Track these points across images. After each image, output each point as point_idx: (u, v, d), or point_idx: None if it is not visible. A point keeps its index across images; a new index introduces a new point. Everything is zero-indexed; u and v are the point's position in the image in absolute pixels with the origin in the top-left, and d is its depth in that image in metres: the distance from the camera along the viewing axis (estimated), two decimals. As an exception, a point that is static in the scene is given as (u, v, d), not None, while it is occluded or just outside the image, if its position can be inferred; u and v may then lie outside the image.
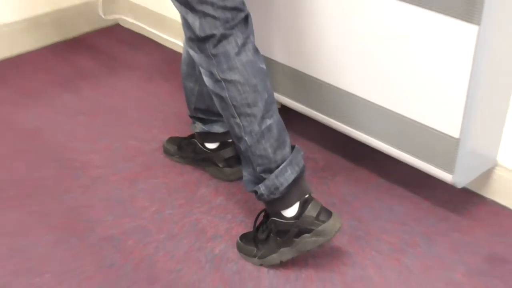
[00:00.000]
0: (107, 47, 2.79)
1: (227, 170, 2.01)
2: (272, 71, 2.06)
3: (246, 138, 1.63)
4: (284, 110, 2.11)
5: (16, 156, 2.11)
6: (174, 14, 2.49)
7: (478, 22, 1.54)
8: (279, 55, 2.04)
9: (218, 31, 1.59)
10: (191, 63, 1.88)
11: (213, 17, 1.58)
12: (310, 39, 1.92)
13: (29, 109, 2.36)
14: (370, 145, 1.92)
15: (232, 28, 1.60)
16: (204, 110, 1.95)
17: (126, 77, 2.57)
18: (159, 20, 2.76)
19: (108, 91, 2.48)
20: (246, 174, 1.71)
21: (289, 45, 1.99)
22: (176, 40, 2.73)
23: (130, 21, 2.93)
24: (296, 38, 1.96)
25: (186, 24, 1.62)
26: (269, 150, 1.63)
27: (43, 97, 2.43)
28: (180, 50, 2.70)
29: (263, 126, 1.62)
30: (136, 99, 2.43)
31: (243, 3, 1.62)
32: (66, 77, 2.56)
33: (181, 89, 2.37)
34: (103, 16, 2.91)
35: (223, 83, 1.61)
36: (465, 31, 1.57)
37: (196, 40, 1.62)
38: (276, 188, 1.63)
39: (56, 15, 2.78)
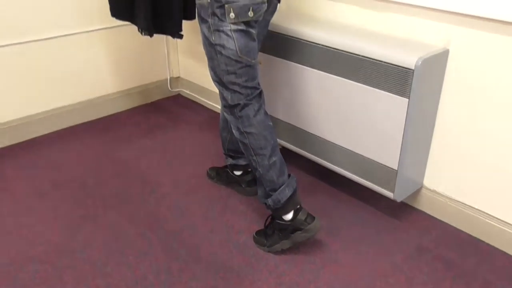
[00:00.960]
0: (173, 109, 2.82)
1: (248, 189, 2.02)
2: (276, 124, 2.09)
3: (259, 169, 1.66)
4: (284, 150, 2.13)
5: (114, 177, 2.14)
6: (215, 89, 2.52)
7: (408, 96, 1.56)
8: (281, 115, 2.06)
9: (242, 101, 1.62)
10: (225, 120, 1.91)
11: (239, 93, 1.61)
12: (301, 105, 1.94)
13: (122, 148, 2.38)
14: (339, 172, 1.93)
15: (251, 100, 1.63)
16: (233, 150, 1.98)
17: (185, 129, 2.59)
18: (206, 92, 2.79)
19: (173, 138, 2.50)
20: (259, 191, 1.72)
21: (287, 109, 2.01)
22: (216, 105, 2.75)
23: (188, 92, 2.96)
24: (292, 105, 1.98)
25: (222, 96, 1.66)
26: (274, 177, 1.65)
27: (132, 141, 2.46)
28: (219, 111, 2.73)
29: (271, 161, 1.64)
30: (191, 143, 2.45)
31: (258, 84, 1.65)
32: (146, 129, 2.59)
33: (219, 137, 2.42)
34: (170, 89, 2.95)
35: (245, 134, 1.64)
36: (400, 102, 1.59)
37: (228, 107, 1.65)
38: (279, 201, 1.65)
39: (141, 88, 2.82)
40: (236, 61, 1.56)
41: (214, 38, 1.54)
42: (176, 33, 2.05)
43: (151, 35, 2.02)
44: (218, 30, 1.53)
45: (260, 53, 1.95)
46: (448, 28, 1.60)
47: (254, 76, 1.63)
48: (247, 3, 1.49)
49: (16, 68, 2.30)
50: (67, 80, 2.49)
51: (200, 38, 1.73)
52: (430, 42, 1.65)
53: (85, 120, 2.63)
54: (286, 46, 1.89)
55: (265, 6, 1.55)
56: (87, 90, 2.59)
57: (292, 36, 1.86)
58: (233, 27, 1.52)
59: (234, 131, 1.68)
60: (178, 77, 2.97)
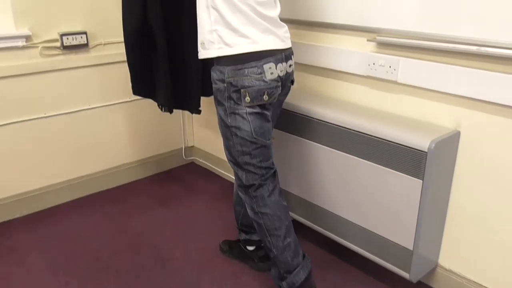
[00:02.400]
0: (187, 177, 2.77)
1: (261, 264, 1.91)
2: (288, 198, 2.01)
3: (274, 250, 1.57)
4: (296, 223, 2.04)
5: (128, 250, 2.05)
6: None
7: (422, 178, 1.49)
8: (293, 189, 1.99)
9: (257, 182, 1.56)
10: (239, 196, 1.84)
11: (254, 173, 1.56)
12: (314, 181, 1.88)
13: (138, 219, 2.31)
14: (352, 249, 1.82)
15: (266, 180, 1.57)
16: (246, 225, 1.89)
17: (199, 198, 2.53)
18: (219, 161, 2.75)
19: (187, 207, 2.43)
20: (273, 271, 1.63)
21: (300, 183, 1.95)
22: (228, 174, 2.69)
23: (201, 161, 2.91)
24: (305, 180, 1.92)
25: (236, 176, 1.60)
26: (289, 259, 1.56)
27: (147, 210, 2.39)
28: (232, 181, 2.67)
29: (285, 243, 1.56)
30: (205, 213, 2.37)
31: (273, 163, 1.60)
32: (161, 197, 2.53)
33: (232, 207, 2.34)
34: (184, 158, 2.91)
35: (259, 214, 1.57)
36: (414, 183, 1.52)
37: (243, 186, 1.59)
38: (293, 284, 1.55)
39: (156, 157, 2.79)
40: (251, 142, 1.52)
41: (230, 120, 1.51)
42: (195, 109, 2.03)
43: (170, 112, 2.01)
44: (234, 113, 1.50)
45: (274, 130, 1.90)
46: (458, 111, 1.55)
47: (269, 156, 1.58)
48: (262, 88, 1.47)
49: (38, 140, 2.28)
50: (87, 151, 2.47)
51: (214, 108, 1.71)
52: (441, 124, 1.60)
53: (103, 188, 2.58)
54: (299, 124, 1.86)
55: (279, 89, 1.53)
56: (106, 160, 2.56)
57: (305, 115, 1.83)
58: (249, 110, 1.49)
59: (248, 211, 1.60)
60: (193, 146, 2.94)
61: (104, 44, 2.36)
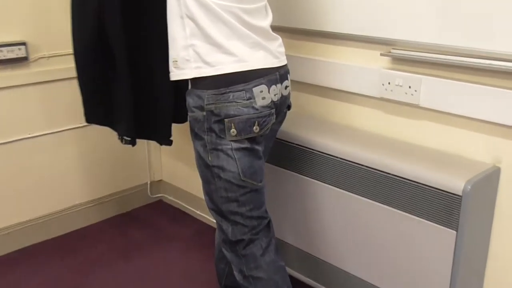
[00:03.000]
0: (153, 220, 2.67)
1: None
2: (283, 249, 1.93)
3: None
4: (292, 280, 1.94)
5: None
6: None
7: (455, 228, 1.42)
8: (290, 238, 1.91)
9: (246, 236, 1.47)
10: (223, 251, 1.74)
11: (242, 225, 1.47)
12: (316, 229, 1.80)
13: (92, 276, 2.19)
14: (368, 316, 1.74)
15: (258, 233, 1.48)
16: (231, 287, 1.79)
17: (169, 247, 2.42)
18: (193, 199, 2.66)
19: (155, 260, 2.31)
20: None
21: (298, 231, 1.87)
22: (205, 215, 2.60)
23: (171, 198, 2.82)
24: (304, 227, 1.84)
25: (220, 228, 1.51)
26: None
27: (103, 265, 2.27)
28: (210, 224, 2.57)
29: (285, 315, 1.46)
30: (177, 268, 2.26)
31: (266, 211, 1.51)
32: (121, 248, 2.41)
33: (213, 257, 2.23)
34: (150, 195, 2.81)
35: (250, 279, 1.48)
36: (446, 234, 1.45)
37: (228, 242, 1.50)
38: None
39: (116, 195, 2.69)
40: (239, 186, 1.44)
41: (211, 159, 1.43)
42: (165, 140, 1.94)
43: (133, 144, 1.90)
44: (216, 149, 1.42)
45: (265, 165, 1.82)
46: (497, 142, 1.49)
47: (261, 203, 1.49)
48: (252, 117, 1.40)
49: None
50: (28, 190, 2.36)
51: (186, 133, 1.63)
52: (476, 158, 1.54)
53: (49, 237, 2.46)
54: (297, 157, 1.79)
55: (273, 118, 1.45)
56: (52, 201, 2.45)
57: (304, 146, 1.76)
58: (235, 145, 1.41)
59: (235, 273, 1.51)
60: (160, 180, 2.85)
61: (49, 57, 2.27)
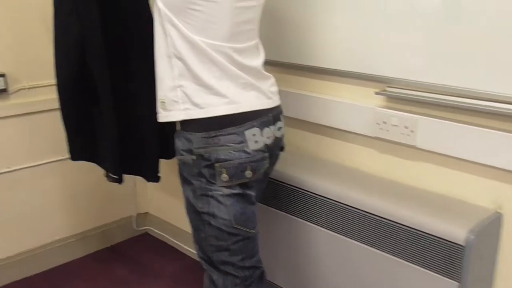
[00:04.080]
0: (138, 254, 2.58)
1: None
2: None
3: None
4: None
5: None
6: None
7: (458, 279, 1.35)
8: (282, 282, 1.82)
9: (238, 288, 1.38)
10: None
11: (234, 275, 1.39)
12: (310, 274, 1.72)
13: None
14: None
15: (250, 285, 1.40)
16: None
17: (154, 284, 2.32)
18: (180, 232, 2.57)
19: (139, 300, 2.22)
20: None
21: (291, 276, 1.79)
22: (194, 250, 2.50)
23: (157, 231, 2.73)
24: (298, 272, 1.76)
25: (210, 279, 1.42)
26: None
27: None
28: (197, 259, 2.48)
29: None
30: (162, 307, 2.17)
31: (260, 261, 1.43)
32: (105, 285, 2.31)
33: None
34: (135, 228, 2.72)
35: (242, 333, 1.38)
36: (447, 286, 1.37)
37: (218, 294, 1.41)
38: None
39: (100, 229, 2.60)
40: (230, 233, 1.36)
41: (201, 205, 1.36)
42: (152, 176, 1.86)
43: (119, 182, 1.82)
44: (206, 195, 1.35)
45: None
46: (498, 187, 1.44)
47: (254, 252, 1.42)
48: (244, 161, 1.33)
49: None
50: (5, 226, 2.26)
51: (173, 166, 1.56)
52: (476, 203, 1.48)
53: (28, 274, 2.35)
54: (289, 198, 1.72)
55: (266, 162, 1.38)
56: (31, 236, 2.35)
57: (297, 186, 1.69)
58: (226, 191, 1.34)
59: (226, 327, 1.41)
60: (146, 213, 2.76)
61: (29, 88, 2.20)
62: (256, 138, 1.34)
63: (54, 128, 2.25)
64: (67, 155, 1.84)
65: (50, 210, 2.38)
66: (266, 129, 1.37)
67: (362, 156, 1.73)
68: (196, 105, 1.31)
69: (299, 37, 1.76)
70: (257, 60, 1.40)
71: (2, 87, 2.09)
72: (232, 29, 1.30)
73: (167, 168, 2.44)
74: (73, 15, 1.59)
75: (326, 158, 1.84)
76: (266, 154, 1.37)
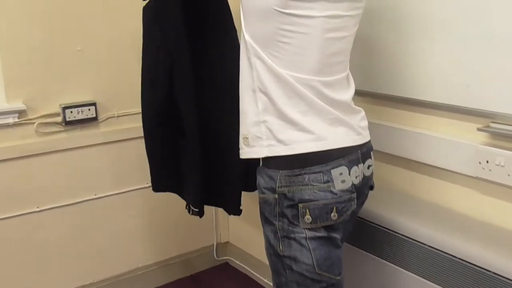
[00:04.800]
0: (218, 284, 2.55)
1: None
2: None
3: None
4: None
5: None
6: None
7: None
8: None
9: None
10: None
11: None
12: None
13: None
14: None
15: None
16: None
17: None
18: (260, 264, 2.50)
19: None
20: None
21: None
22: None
23: (238, 262, 2.68)
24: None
25: None
26: None
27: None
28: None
29: None
30: None
31: None
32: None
33: None
34: (216, 258, 2.69)
35: None
36: None
37: None
38: None
39: (180, 257, 2.58)
40: (313, 280, 1.28)
41: (282, 248, 1.28)
42: (234, 209, 1.82)
43: (200, 215, 1.80)
44: (288, 237, 1.27)
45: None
46: None
47: (338, 300, 1.30)
48: (330, 202, 1.24)
49: (27, 241, 2.12)
50: (90, 252, 2.29)
51: (254, 197, 1.52)
52: None
53: (109, 302, 2.38)
54: (378, 239, 1.61)
55: (353, 203, 1.28)
56: (115, 263, 2.37)
57: (385, 227, 1.57)
58: (309, 233, 1.26)
59: None
60: (227, 242, 2.72)
61: (118, 116, 2.23)
62: (344, 177, 1.25)
63: (140, 155, 2.24)
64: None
65: (132, 238, 2.40)
66: (354, 168, 1.27)
67: (460, 197, 1.58)
68: (280, 141, 1.24)
69: (393, 66, 1.66)
70: (347, 94, 1.32)
71: (92, 116, 2.13)
72: (322, 61, 1.23)
73: (249, 198, 2.39)
74: (162, 48, 1.59)
75: (420, 197, 1.70)
76: (354, 195, 1.28)
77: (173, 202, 2.41)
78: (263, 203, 1.31)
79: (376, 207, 1.62)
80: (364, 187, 1.35)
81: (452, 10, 1.47)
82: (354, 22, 1.30)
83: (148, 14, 1.61)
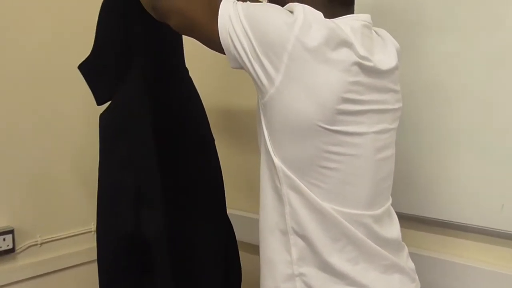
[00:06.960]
0: None
1: None
2: None
3: None
4: None
5: None
6: None
7: None
8: None
9: None
10: None
11: None
12: None
13: None
14: None
15: None
16: None
17: None
18: None
19: None
20: None
21: None
22: None
23: None
24: None
25: None
26: None
27: None
28: None
29: None
30: None
31: None
32: None
33: None
34: None
35: None
36: None
37: None
38: None
39: None
40: None
41: None
42: None
43: None
44: None
45: None
46: None
47: None
48: None
49: None
50: None
51: None
52: None
53: None
54: None
55: None
56: None
57: None
58: None
59: None
60: None
61: (41, 244, 1.77)
62: None
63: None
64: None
65: None
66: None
67: None
68: (323, 302, 0.92)
69: (426, 185, 1.38)
70: (395, 228, 1.04)
71: (8, 247, 1.66)
72: (374, 189, 0.96)
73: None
74: (127, 168, 1.21)
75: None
76: None
77: None
78: None
79: None
80: None
81: (479, 120, 1.27)
82: (395, 136, 1.05)
83: (107, 123, 1.23)
